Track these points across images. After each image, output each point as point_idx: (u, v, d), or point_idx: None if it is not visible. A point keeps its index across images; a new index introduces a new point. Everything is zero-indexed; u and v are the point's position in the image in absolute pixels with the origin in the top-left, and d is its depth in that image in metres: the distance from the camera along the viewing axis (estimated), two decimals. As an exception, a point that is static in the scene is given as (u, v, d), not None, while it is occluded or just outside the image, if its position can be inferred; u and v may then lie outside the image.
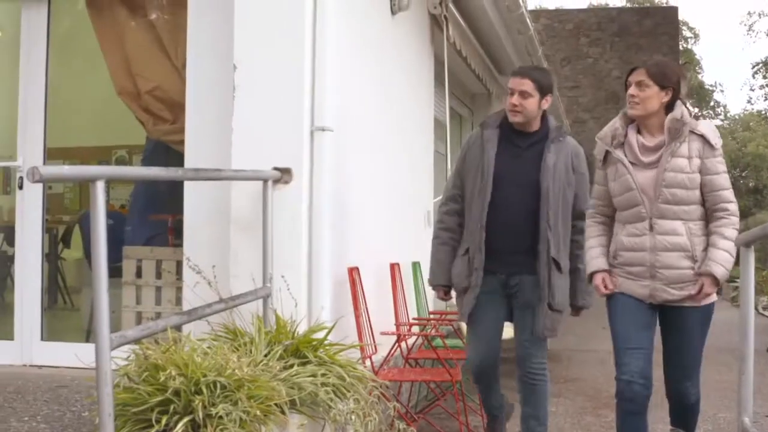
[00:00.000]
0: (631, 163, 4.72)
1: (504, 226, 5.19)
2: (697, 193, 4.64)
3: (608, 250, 4.88)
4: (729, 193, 4.66)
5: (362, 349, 5.68)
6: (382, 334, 6.23)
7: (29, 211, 6.23)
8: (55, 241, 8.20)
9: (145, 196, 7.09)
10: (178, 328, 4.49)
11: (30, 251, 6.24)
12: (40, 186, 6.03)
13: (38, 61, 6.33)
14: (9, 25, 7.34)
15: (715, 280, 4.58)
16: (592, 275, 4.90)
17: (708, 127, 4.73)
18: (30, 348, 6.07)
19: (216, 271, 5.10)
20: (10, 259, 7.00)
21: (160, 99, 6.29)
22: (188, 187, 5.67)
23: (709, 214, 4.68)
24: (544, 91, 5.24)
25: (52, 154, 6.47)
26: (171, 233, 6.51)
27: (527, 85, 5.18)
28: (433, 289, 5.65)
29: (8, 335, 6.18)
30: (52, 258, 7.95)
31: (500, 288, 5.29)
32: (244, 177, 5.23)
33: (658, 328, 4.86)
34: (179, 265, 5.81)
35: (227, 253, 5.36)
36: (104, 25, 6.31)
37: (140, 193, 7.24)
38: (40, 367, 5.96)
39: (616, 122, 4.84)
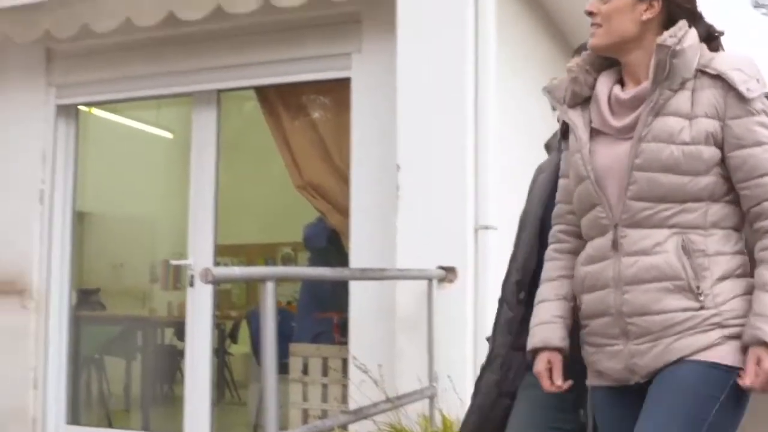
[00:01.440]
0: (595, 131, 2.72)
1: None
2: (705, 180, 2.55)
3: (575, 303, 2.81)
4: None
5: (528, 449, 5.59)
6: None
7: (199, 308, 6.42)
8: (223, 336, 8.40)
9: (312, 293, 7.19)
10: (344, 427, 4.53)
11: (200, 346, 6.42)
12: (210, 284, 6.20)
13: (208, 162, 6.58)
14: (180, 127, 7.68)
15: None
16: (534, 354, 2.81)
17: (732, 62, 2.59)
18: (199, 443, 6.21)
19: (382, 369, 5.12)
20: (180, 353, 7.21)
21: (326, 197, 6.40)
22: (354, 285, 5.74)
23: (749, 224, 2.61)
24: None
25: (220, 251, 6.67)
26: (337, 331, 6.58)
27: None
28: None
29: (178, 429, 6.33)
30: (220, 353, 8.14)
31: None
32: (409, 276, 5.26)
33: None
34: (345, 362, 5.85)
35: (392, 352, 5.37)
36: (277, 124, 6.50)
37: (307, 290, 7.35)
38: (209, 462, 6.08)
39: (577, 61, 2.83)
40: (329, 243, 6.71)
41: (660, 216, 2.56)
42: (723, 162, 2.57)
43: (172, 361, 8.20)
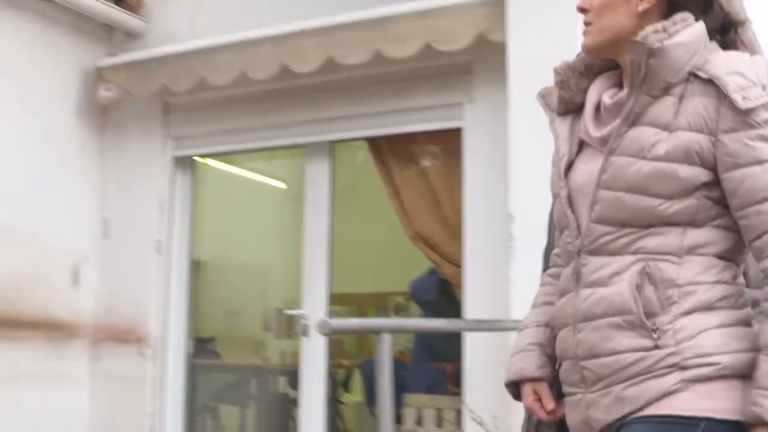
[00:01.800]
0: (584, 144, 2.35)
1: None
2: (683, 204, 2.08)
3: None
4: None
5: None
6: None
7: (313, 357, 6.45)
8: (335, 384, 8.41)
9: (425, 343, 7.17)
10: (460, 480, 4.47)
11: (313, 395, 6.44)
12: (324, 333, 6.23)
13: (321, 212, 6.63)
14: (293, 178, 7.77)
15: None
16: (515, 387, 2.51)
17: (732, 63, 2.10)
18: (314, 492, 6.21)
19: (497, 421, 5.07)
20: (292, 402, 7.24)
21: (436, 248, 6.39)
22: (468, 336, 5.69)
23: (755, 259, 2.11)
24: None
25: (332, 300, 6.69)
26: (450, 381, 6.55)
27: None
28: None
29: (292, 478, 6.36)
30: (332, 402, 8.15)
31: None
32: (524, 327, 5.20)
33: None
34: (459, 413, 5.81)
35: (508, 403, 5.28)
36: (388, 174, 6.54)
37: (420, 340, 7.33)
38: None
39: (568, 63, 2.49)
40: (440, 294, 6.67)
41: (621, 242, 2.13)
42: (713, 184, 2.11)
43: (285, 410, 8.23)
